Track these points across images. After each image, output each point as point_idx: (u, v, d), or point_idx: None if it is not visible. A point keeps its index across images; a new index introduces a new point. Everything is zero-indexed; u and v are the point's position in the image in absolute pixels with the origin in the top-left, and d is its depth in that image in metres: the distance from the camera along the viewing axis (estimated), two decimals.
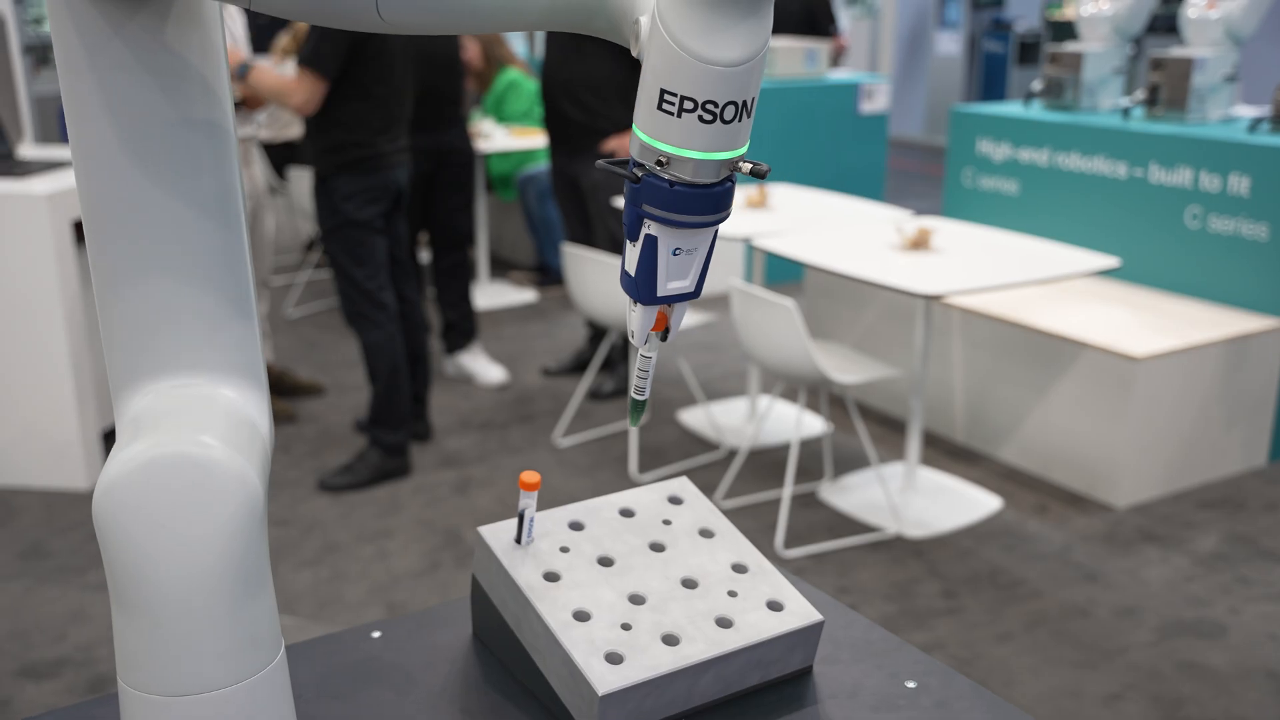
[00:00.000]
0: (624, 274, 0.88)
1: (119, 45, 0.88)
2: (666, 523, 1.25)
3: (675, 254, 0.85)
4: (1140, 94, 4.79)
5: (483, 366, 5.01)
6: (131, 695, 0.93)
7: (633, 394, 0.97)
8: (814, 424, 4.38)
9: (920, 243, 3.66)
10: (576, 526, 1.22)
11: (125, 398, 0.97)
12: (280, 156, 6.31)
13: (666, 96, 0.77)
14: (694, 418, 4.52)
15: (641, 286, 0.86)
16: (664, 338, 0.92)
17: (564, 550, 1.18)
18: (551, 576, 1.15)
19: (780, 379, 3.56)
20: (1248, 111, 5.05)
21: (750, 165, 0.82)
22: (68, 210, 3.77)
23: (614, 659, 1.07)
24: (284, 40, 5.99)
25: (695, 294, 0.89)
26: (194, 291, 0.96)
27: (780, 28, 8.20)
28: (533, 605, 1.11)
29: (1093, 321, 4.09)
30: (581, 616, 1.11)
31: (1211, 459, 4.05)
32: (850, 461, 4.14)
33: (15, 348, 3.79)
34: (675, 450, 4.24)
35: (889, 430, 4.45)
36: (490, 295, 6.27)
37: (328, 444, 4.27)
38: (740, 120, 0.78)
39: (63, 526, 3.62)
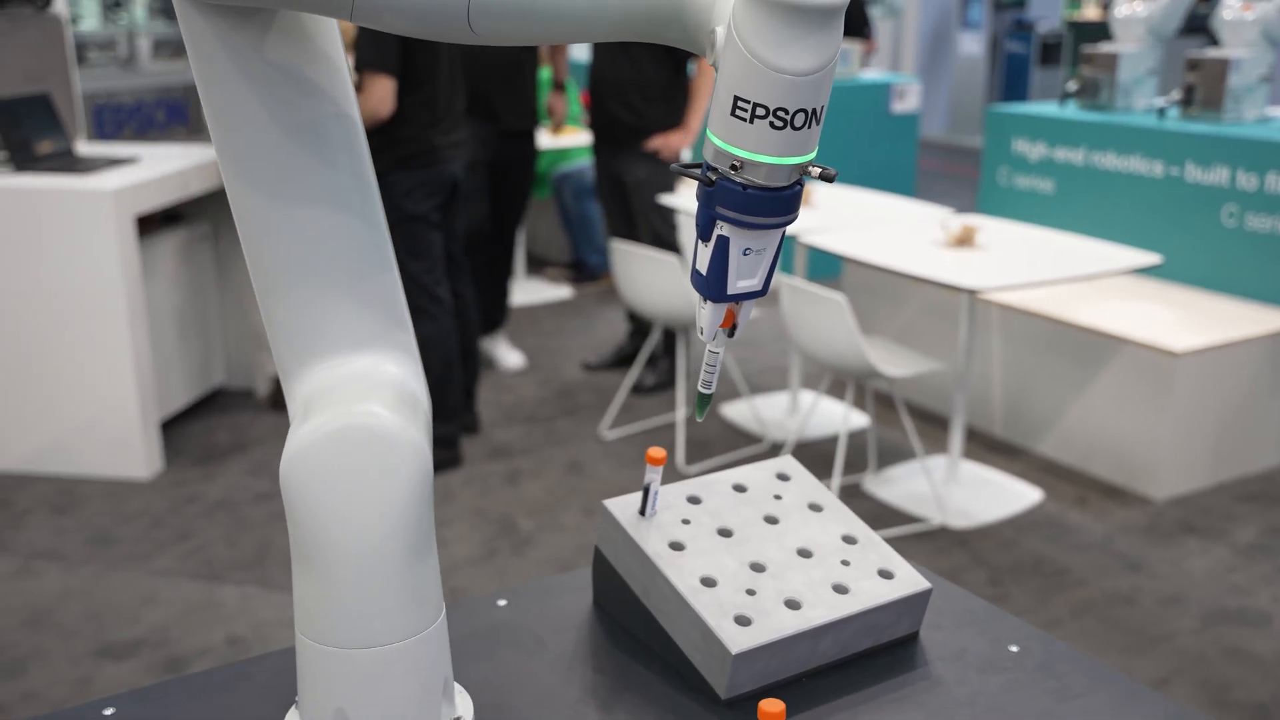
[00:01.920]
0: (694, 272, 0.92)
1: (226, 59, 0.94)
2: (777, 497, 1.32)
3: (745, 254, 0.89)
4: (1176, 94, 4.85)
5: (504, 352, 5.19)
6: (310, 647, 1.00)
7: (700, 388, 1.01)
8: (854, 418, 4.46)
9: (965, 240, 3.73)
10: (694, 500, 1.29)
11: (295, 381, 1.03)
12: None
13: (740, 103, 0.80)
14: (737, 411, 4.60)
15: (712, 285, 0.90)
16: (731, 334, 0.96)
17: (685, 522, 1.25)
18: (676, 546, 1.22)
19: (829, 372, 3.64)
20: (1276, 112, 5.11)
21: (819, 170, 0.85)
22: (132, 206, 3.86)
23: (742, 621, 1.14)
24: None
25: (762, 292, 0.93)
26: (345, 276, 1.02)
27: None
28: (661, 572, 1.18)
29: (1131, 317, 4.16)
30: (708, 582, 1.18)
31: (1248, 453, 4.11)
32: (891, 455, 4.22)
33: (79, 340, 3.88)
34: (720, 443, 4.32)
35: (928, 424, 4.52)
36: (527, 292, 6.36)
37: None
38: (810, 127, 0.82)
39: (127, 514, 3.72)
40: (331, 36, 1.00)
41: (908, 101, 6.82)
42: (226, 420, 4.52)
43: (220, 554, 3.46)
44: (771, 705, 0.92)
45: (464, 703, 1.11)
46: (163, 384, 4.19)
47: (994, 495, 3.87)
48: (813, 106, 0.81)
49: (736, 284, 0.90)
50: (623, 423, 4.50)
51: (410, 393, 1.04)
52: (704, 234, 0.89)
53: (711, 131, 0.84)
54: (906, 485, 3.94)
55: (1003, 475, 4.03)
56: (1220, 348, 3.91)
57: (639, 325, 5.11)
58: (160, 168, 4.10)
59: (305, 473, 0.94)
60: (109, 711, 1.12)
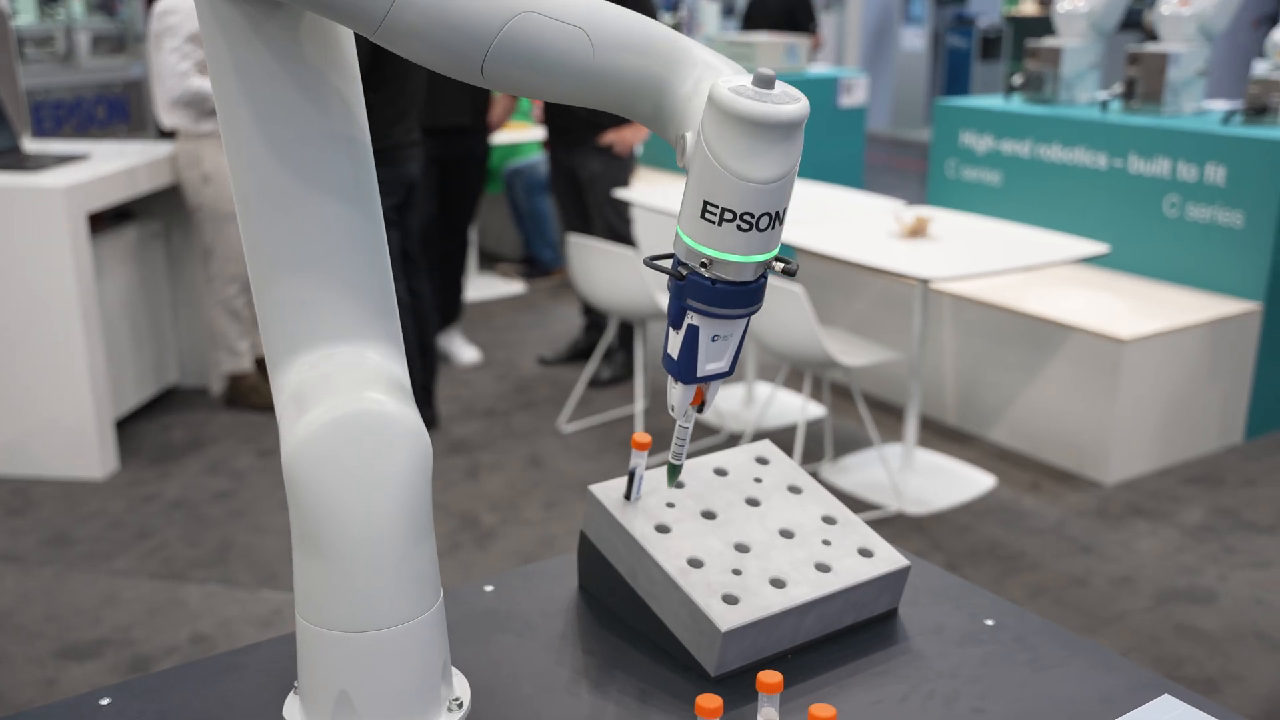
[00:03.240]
0: (666, 356, 0.99)
1: (260, 45, 0.95)
2: (758, 480, 1.36)
3: (714, 340, 0.95)
4: (1118, 87, 4.96)
5: (459, 347, 5.21)
6: (313, 631, 1.02)
7: (670, 459, 1.09)
8: (809, 408, 4.51)
9: (919, 231, 3.80)
10: (677, 484, 1.32)
11: (283, 369, 1.04)
12: None
13: (709, 207, 0.86)
14: None
15: (683, 368, 0.97)
16: (700, 410, 1.03)
17: (670, 505, 1.28)
18: (662, 529, 1.25)
19: (786, 362, 3.69)
20: (1211, 105, 5.24)
21: (782, 265, 0.92)
22: (84, 203, 3.82)
23: (730, 600, 1.17)
24: None
25: (729, 372, 1.00)
26: (344, 269, 1.03)
27: (761, 24, 8.35)
28: (649, 554, 1.21)
29: (1079, 306, 4.25)
30: (695, 563, 1.21)
31: (1193, 437, 4.22)
32: (847, 444, 4.28)
33: (31, 340, 3.83)
34: None
35: (881, 414, 4.59)
36: (479, 287, 6.35)
37: None
38: (774, 227, 0.88)
39: (83, 515, 3.68)
40: (349, 37, 1.02)
41: (855, 96, 6.90)
42: (181, 419, 4.48)
43: (181, 553, 3.44)
44: (769, 676, 0.95)
45: (461, 685, 1.13)
46: (116, 383, 4.15)
47: (948, 482, 3.94)
48: (776, 209, 0.87)
49: (705, 367, 0.97)
50: (581, 416, 4.53)
51: (398, 380, 1.06)
52: (675, 322, 0.96)
53: (682, 230, 0.90)
54: (863, 473, 4.00)
55: (956, 462, 4.11)
56: (1165, 334, 4.01)
57: (594, 319, 5.13)
58: (111, 165, 4.05)
59: (312, 460, 0.96)
60: (105, 702, 1.13)
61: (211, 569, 3.35)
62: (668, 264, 0.93)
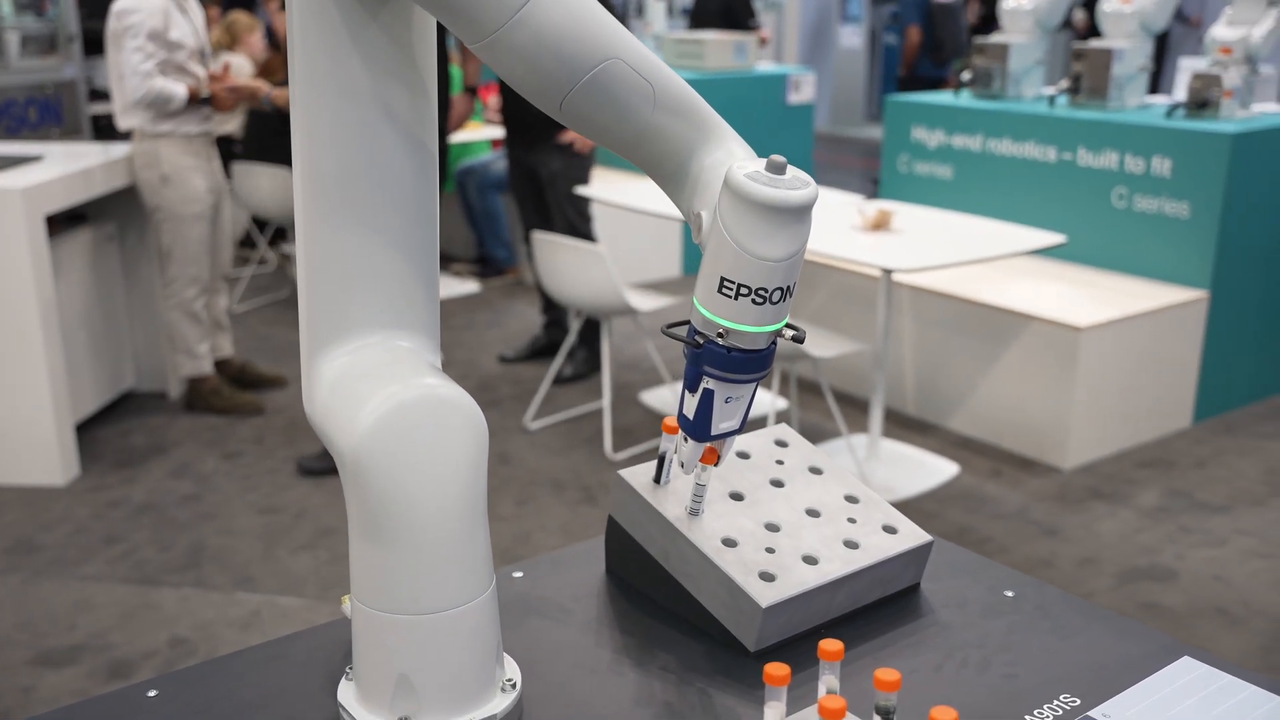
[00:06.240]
0: (681, 416, 1.06)
1: (375, 30, 0.96)
2: (779, 462, 1.39)
3: (727, 402, 1.02)
4: (1064, 83, 5.08)
5: None
6: (373, 615, 1.02)
7: (688, 513, 1.16)
8: (773, 401, 4.56)
9: (881, 224, 3.86)
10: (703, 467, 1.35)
11: (321, 357, 1.05)
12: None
13: (725, 283, 0.93)
14: (657, 398, 4.67)
15: (698, 428, 1.04)
16: (716, 463, 1.11)
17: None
18: (694, 510, 1.28)
19: None
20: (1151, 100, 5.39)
21: (792, 333, 0.99)
22: (41, 205, 3.76)
23: (766, 577, 1.20)
24: (215, 32, 6.14)
25: (740, 430, 1.07)
26: (397, 261, 1.05)
27: (703, 22, 8.40)
28: (684, 535, 1.24)
29: (1035, 296, 4.35)
30: (729, 543, 1.24)
31: (1144, 422, 4.34)
32: (811, 436, 4.34)
33: None
34: (643, 430, 4.39)
35: (843, 405, 4.65)
36: None
37: (298, 433, 4.32)
38: (785, 300, 0.94)
39: (47, 522, 3.63)
40: (434, 42, 1.03)
41: (803, 93, 6.97)
42: (141, 423, 4.42)
43: (152, 557, 3.40)
44: (830, 644, 0.98)
45: (512, 667, 1.15)
46: (75, 388, 4.08)
47: (913, 470, 4.02)
48: (787, 284, 0.94)
49: (719, 426, 1.04)
50: (546, 413, 4.54)
51: (435, 367, 1.08)
52: (691, 386, 1.02)
53: (700, 303, 0.96)
54: None
55: (920, 451, 4.18)
56: (1119, 322, 4.12)
57: (554, 317, 5.14)
58: (66, 166, 3.99)
59: (381, 447, 0.97)
60: (152, 694, 1.13)
61: (185, 573, 3.32)
62: (683, 332, 0.99)
